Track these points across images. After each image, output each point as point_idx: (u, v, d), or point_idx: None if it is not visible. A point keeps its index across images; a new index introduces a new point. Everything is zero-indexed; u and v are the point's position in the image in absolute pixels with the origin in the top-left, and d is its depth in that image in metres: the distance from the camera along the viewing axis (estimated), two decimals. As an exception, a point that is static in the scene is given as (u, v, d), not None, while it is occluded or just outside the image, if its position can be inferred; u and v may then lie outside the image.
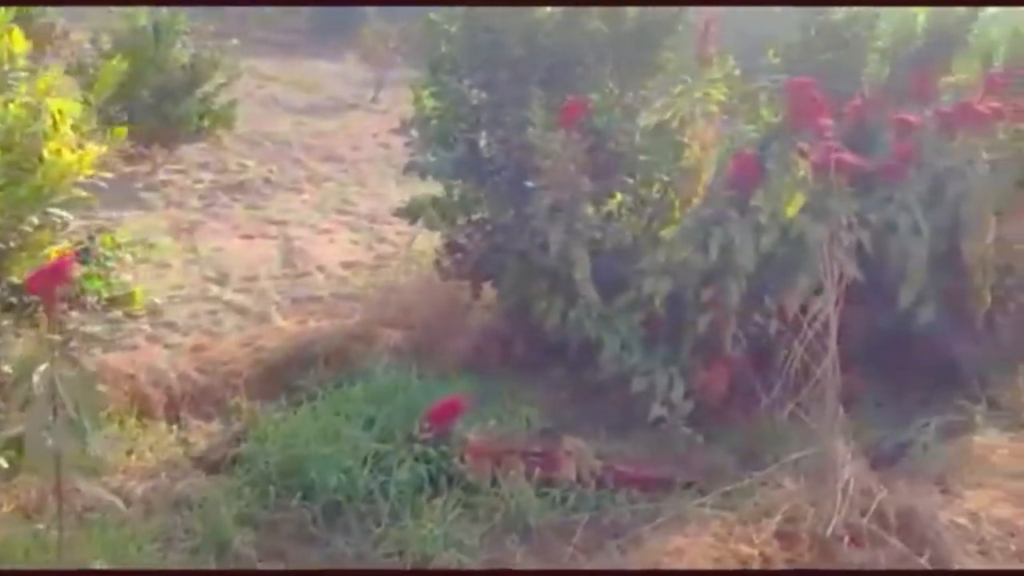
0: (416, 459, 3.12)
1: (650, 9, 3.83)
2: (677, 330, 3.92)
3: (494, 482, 3.12)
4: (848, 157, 3.99)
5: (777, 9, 6.03)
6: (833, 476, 2.82)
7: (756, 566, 2.55)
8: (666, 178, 4.24)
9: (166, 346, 4.26)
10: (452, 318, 4.28)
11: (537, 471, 3.19)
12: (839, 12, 5.40)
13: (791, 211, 3.84)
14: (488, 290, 4.21)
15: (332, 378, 3.77)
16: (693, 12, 4.04)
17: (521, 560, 2.79)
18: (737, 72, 4.68)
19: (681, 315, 3.91)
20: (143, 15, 6.85)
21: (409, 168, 3.89)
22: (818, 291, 4.05)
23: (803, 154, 3.84)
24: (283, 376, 3.90)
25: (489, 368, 4.00)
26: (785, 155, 3.76)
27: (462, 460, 3.16)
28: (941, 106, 4.54)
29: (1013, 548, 2.83)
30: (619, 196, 4.22)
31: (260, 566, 2.73)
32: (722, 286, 3.78)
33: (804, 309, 3.95)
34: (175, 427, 3.60)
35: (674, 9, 3.87)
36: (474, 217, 4.20)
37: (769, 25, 6.01)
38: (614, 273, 4.03)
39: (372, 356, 3.92)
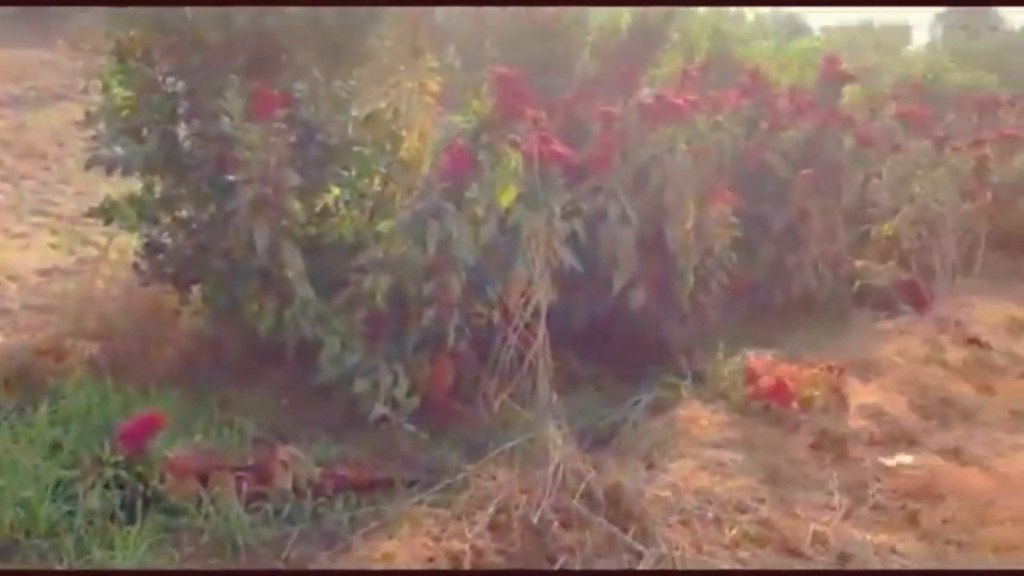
0: (107, 484, 2.82)
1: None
2: (401, 326, 3.84)
3: (200, 502, 2.88)
4: (558, 148, 4.10)
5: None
6: (545, 461, 2.84)
7: (468, 561, 2.52)
8: (384, 170, 4.16)
9: None
10: (157, 326, 3.95)
11: (249, 485, 2.99)
12: (550, 8, 5.59)
13: (505, 201, 3.88)
14: (196, 293, 3.92)
15: (13, 401, 3.35)
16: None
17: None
18: (457, 63, 4.70)
19: (404, 310, 3.84)
20: None
21: (92, 163, 3.53)
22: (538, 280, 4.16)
23: (515, 145, 3.89)
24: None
25: (199, 378, 3.73)
26: (497, 146, 3.78)
27: (162, 480, 2.90)
28: (643, 98, 4.78)
29: (711, 515, 3.00)
30: (336, 190, 4.09)
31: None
32: (443, 279, 3.74)
33: (527, 299, 4.04)
34: None
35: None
36: (177, 215, 3.90)
37: (491, 17, 6.11)
38: (334, 270, 3.89)
39: (62, 372, 3.53)
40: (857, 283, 6.26)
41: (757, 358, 4.05)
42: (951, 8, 23.98)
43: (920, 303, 5.85)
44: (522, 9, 5.38)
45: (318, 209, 3.99)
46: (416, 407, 3.62)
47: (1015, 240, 7.88)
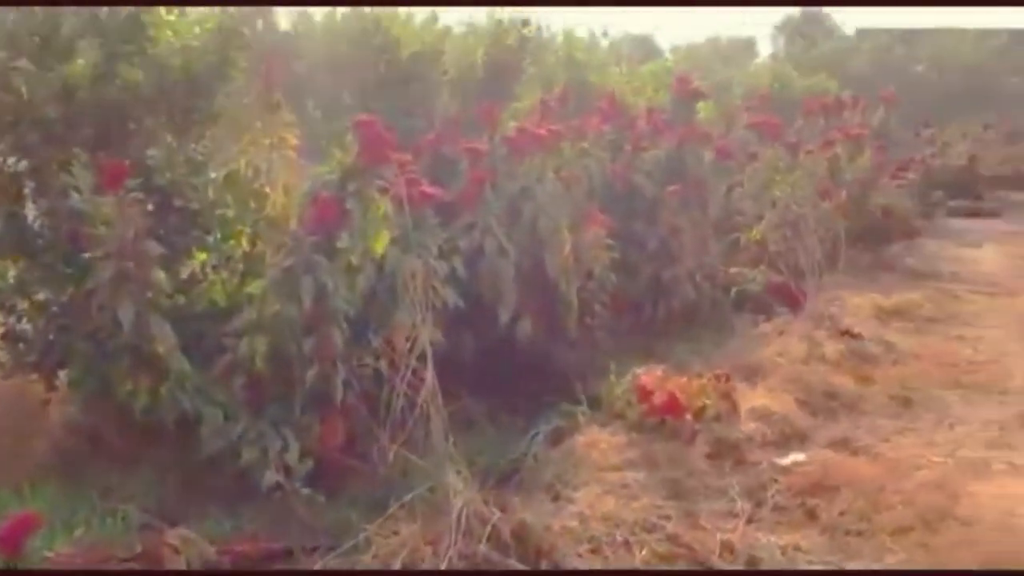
0: (-16, 596, 2.61)
1: (195, 57, 3.60)
2: (285, 387, 3.71)
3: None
4: (427, 189, 4.08)
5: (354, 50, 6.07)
6: (447, 509, 2.78)
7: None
8: (251, 230, 4.05)
9: None
10: (25, 419, 3.71)
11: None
12: (406, 50, 5.59)
13: (379, 248, 3.82)
14: (64, 380, 3.70)
15: None
16: (245, 58, 3.87)
17: None
18: (317, 114, 4.63)
19: (287, 371, 3.72)
20: None
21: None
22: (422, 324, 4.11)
23: (384, 191, 3.85)
24: None
25: (77, 468, 3.51)
26: (364, 193, 3.72)
27: (46, 583, 2.70)
28: (506, 132, 4.82)
29: (619, 539, 2.99)
30: (202, 255, 3.95)
31: None
32: (324, 334, 3.64)
33: (412, 343, 3.98)
34: None
35: (223, 55, 3.69)
36: (35, 299, 3.68)
37: (349, 65, 6.06)
38: (208, 338, 3.75)
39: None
40: (734, 290, 6.45)
41: (647, 375, 4.09)
42: (788, 18, 25.33)
43: (793, 303, 6.07)
44: (380, 55, 5.36)
45: (184, 277, 3.84)
46: (310, 469, 3.49)
47: (871, 234, 8.30)
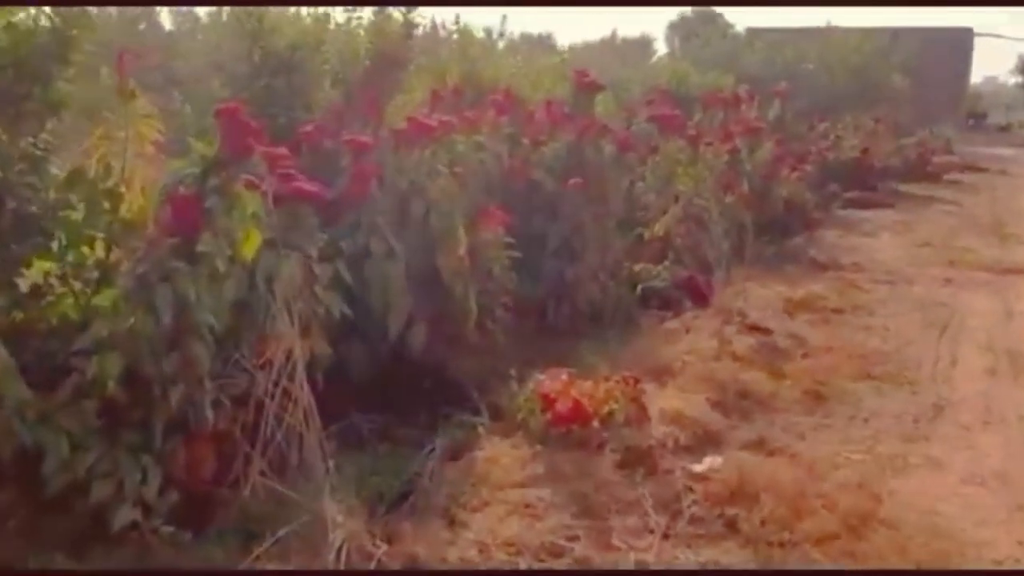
0: None
1: (22, 37, 3.14)
2: (144, 412, 3.27)
3: None
4: (304, 185, 3.70)
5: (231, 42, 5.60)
6: (325, 544, 2.42)
7: None
8: (104, 235, 3.59)
9: None
10: None
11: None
12: (283, 38, 5.17)
13: (249, 251, 3.42)
14: None
15: None
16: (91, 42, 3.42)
17: None
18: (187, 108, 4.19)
19: (146, 393, 3.28)
20: None
21: None
22: (303, 334, 3.73)
23: (252, 186, 3.46)
24: None
25: None
26: (228, 189, 3.31)
27: None
28: (394, 125, 4.46)
29: (523, 567, 2.67)
30: (46, 265, 3.47)
31: None
32: (187, 350, 3.22)
33: (290, 358, 3.61)
34: None
35: (61, 35, 3.24)
36: None
37: (222, 54, 5.59)
38: (56, 358, 3.28)
39: None
40: (639, 287, 6.23)
41: (551, 380, 3.79)
42: (682, 18, 25.64)
43: (700, 297, 5.88)
44: (255, 43, 4.93)
45: (25, 290, 3.36)
46: (174, 503, 3.07)
47: (773, 226, 8.24)
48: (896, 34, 20.44)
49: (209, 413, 3.25)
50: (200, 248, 3.21)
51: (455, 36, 7.73)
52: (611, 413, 3.70)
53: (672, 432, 3.68)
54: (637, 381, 3.86)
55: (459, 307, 4.43)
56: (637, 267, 6.55)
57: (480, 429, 3.72)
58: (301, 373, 2.88)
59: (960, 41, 29.16)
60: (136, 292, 3.16)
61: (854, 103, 17.03)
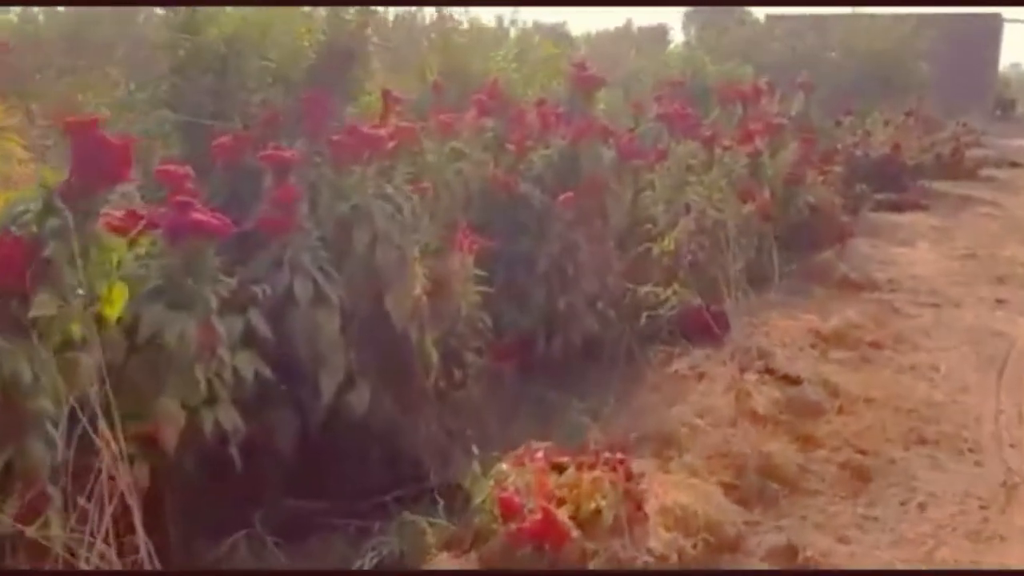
0: None
1: None
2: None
3: None
4: (201, 216, 2.88)
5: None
6: None
7: None
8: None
9: None
10: None
11: None
12: (215, 30, 4.33)
13: (116, 308, 2.60)
14: None
15: None
16: None
17: None
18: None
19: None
20: None
21: None
22: (203, 405, 2.93)
23: (117, 226, 2.65)
24: None
25: None
26: (83, 228, 2.48)
27: None
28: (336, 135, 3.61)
29: None
30: None
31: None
32: (21, 451, 2.41)
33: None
34: None
35: None
36: None
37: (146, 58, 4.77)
38: None
39: None
40: (644, 315, 5.36)
41: (518, 468, 2.94)
42: (697, 8, 24.61)
43: (714, 333, 5.00)
44: (180, 38, 4.09)
45: None
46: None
47: (800, 236, 7.34)
48: (922, 20, 19.47)
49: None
50: (34, 312, 2.39)
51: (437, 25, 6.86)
52: (598, 514, 2.85)
53: (676, 541, 2.83)
54: (629, 472, 2.97)
55: (414, 358, 3.60)
56: (643, 290, 5.68)
57: (428, 538, 2.88)
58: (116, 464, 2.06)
59: (989, 27, 27.99)
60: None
61: (878, 94, 16.04)
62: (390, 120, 3.89)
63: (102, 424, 2.23)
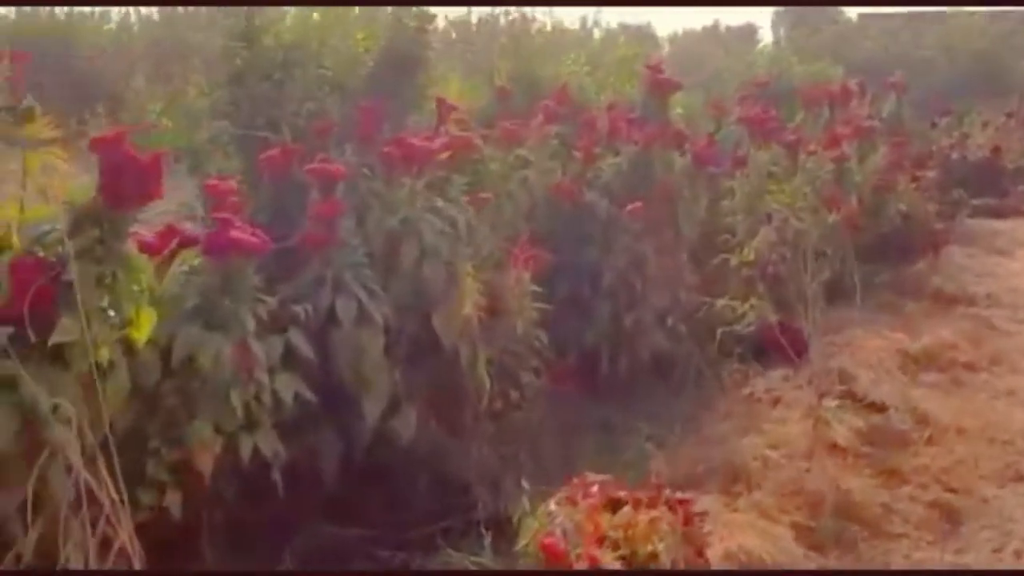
0: None
1: None
2: None
3: None
4: (239, 235, 2.76)
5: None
6: None
7: None
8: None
9: None
10: None
11: None
12: (270, 36, 4.24)
13: (144, 331, 2.48)
14: None
15: None
16: None
17: None
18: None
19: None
20: None
21: None
22: (241, 430, 2.82)
23: (148, 246, 2.54)
24: None
25: None
26: (111, 248, 2.38)
27: None
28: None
29: None
30: None
31: None
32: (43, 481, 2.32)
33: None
34: None
35: None
36: None
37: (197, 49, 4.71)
38: None
39: None
40: (719, 331, 5.08)
41: (568, 508, 2.73)
42: (787, 7, 23.91)
43: (792, 352, 4.68)
44: (236, 42, 4.01)
45: None
46: None
47: (890, 247, 6.92)
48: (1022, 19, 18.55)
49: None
50: (56, 338, 2.28)
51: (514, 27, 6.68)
52: (654, 557, 2.62)
53: (739, 591, 2.58)
54: (690, 515, 2.72)
55: (465, 379, 3.43)
56: (719, 303, 5.39)
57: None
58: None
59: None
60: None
61: (974, 94, 15.27)
62: (448, 129, 3.72)
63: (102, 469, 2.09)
